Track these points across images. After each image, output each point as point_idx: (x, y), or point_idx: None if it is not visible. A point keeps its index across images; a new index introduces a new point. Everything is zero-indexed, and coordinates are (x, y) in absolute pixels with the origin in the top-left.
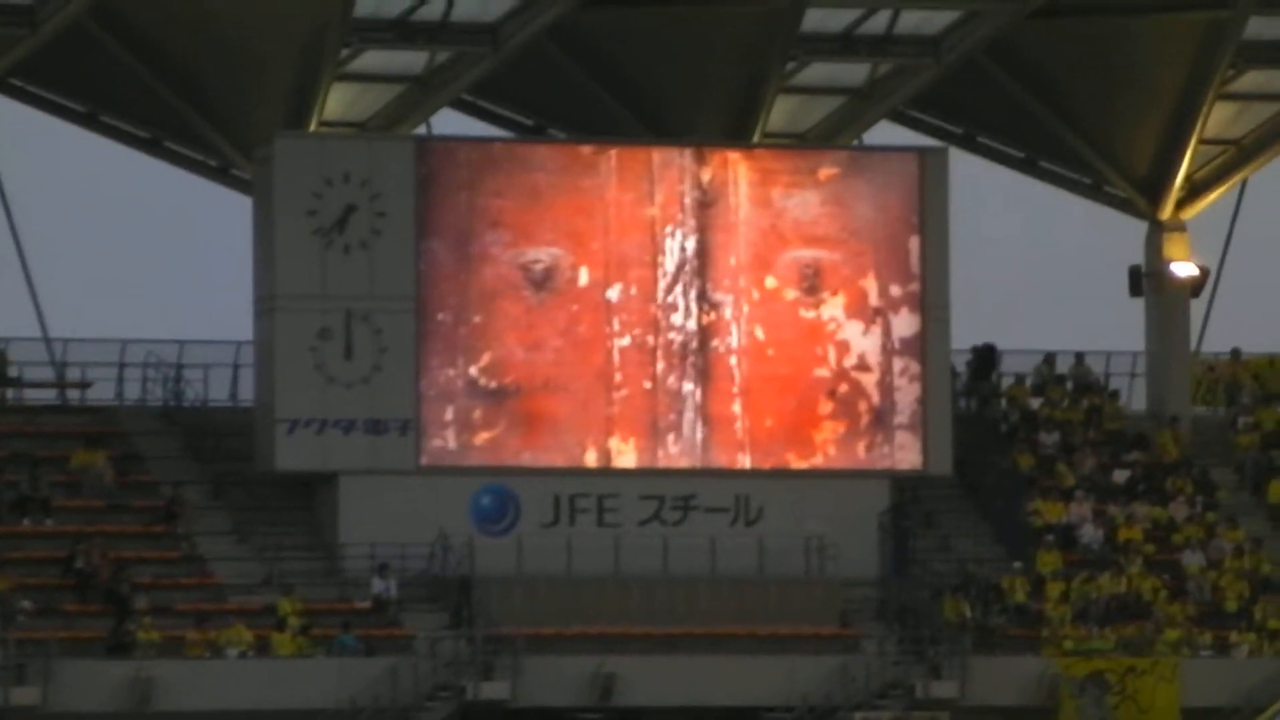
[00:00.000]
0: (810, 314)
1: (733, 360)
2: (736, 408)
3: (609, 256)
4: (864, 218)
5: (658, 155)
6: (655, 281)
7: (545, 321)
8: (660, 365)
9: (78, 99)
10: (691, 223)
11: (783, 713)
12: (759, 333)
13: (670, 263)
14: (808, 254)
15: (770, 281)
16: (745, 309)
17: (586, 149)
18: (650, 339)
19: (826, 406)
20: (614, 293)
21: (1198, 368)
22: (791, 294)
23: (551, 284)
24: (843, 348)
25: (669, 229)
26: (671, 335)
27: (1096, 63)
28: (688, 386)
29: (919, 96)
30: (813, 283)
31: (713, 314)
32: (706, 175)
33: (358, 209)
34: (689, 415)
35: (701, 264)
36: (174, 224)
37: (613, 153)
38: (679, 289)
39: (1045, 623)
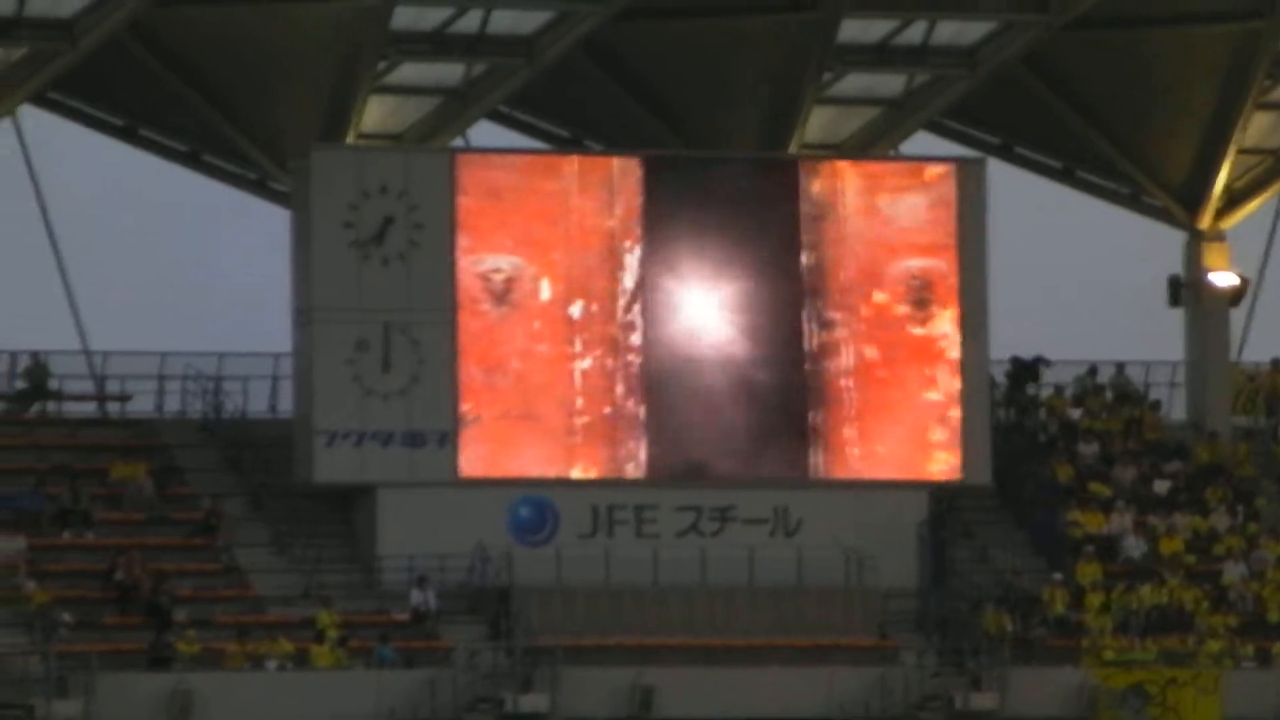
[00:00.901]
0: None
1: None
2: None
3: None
4: None
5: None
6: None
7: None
8: None
9: (116, 113)
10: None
11: None
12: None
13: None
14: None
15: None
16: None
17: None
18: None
19: (940, 434)
20: None
21: (1238, 377)
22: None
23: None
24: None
25: None
26: None
27: (1133, 73)
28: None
29: (955, 107)
30: (920, 295)
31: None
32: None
33: (395, 221)
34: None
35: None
36: (212, 237)
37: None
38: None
39: (1085, 634)
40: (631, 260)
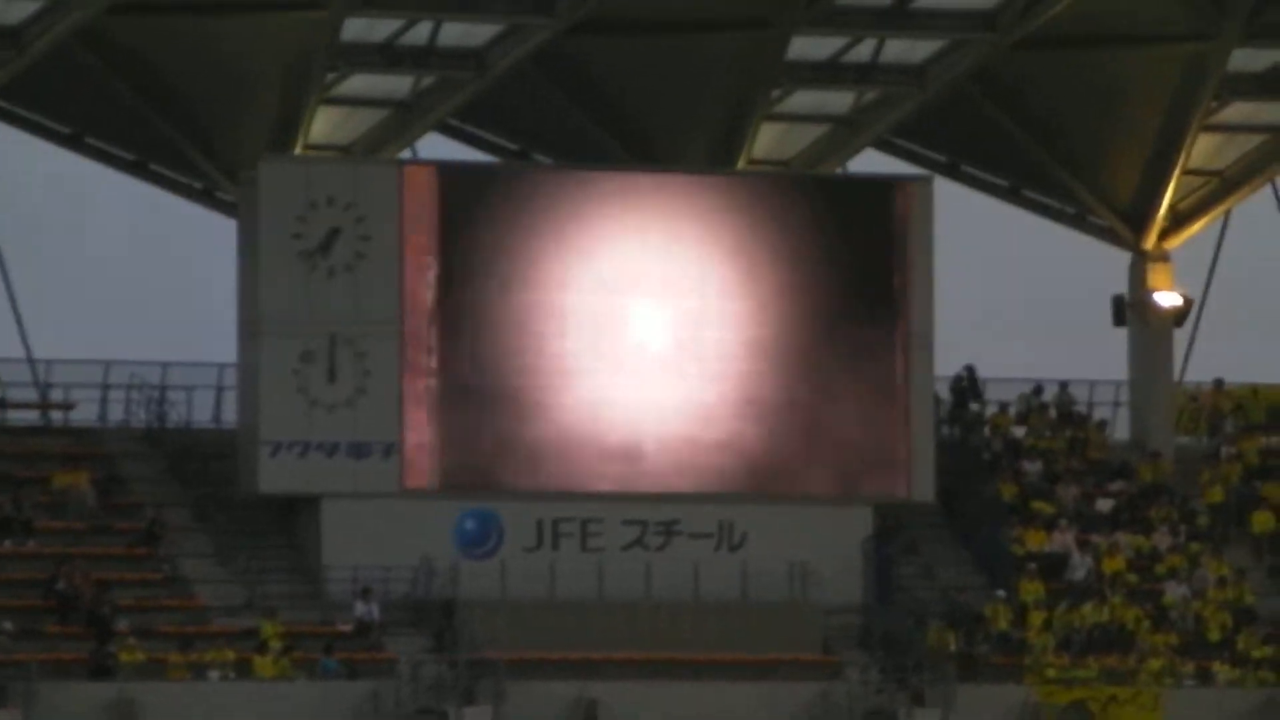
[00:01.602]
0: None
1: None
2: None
3: None
4: None
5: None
6: None
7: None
8: None
9: (63, 121)
10: None
11: None
12: None
13: None
14: None
15: None
16: None
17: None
18: None
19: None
20: None
21: (1181, 397)
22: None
23: None
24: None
25: None
26: None
27: (1081, 93)
28: None
29: (904, 125)
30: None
31: None
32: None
33: (342, 232)
34: None
35: None
36: (158, 246)
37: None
38: None
39: (1028, 651)
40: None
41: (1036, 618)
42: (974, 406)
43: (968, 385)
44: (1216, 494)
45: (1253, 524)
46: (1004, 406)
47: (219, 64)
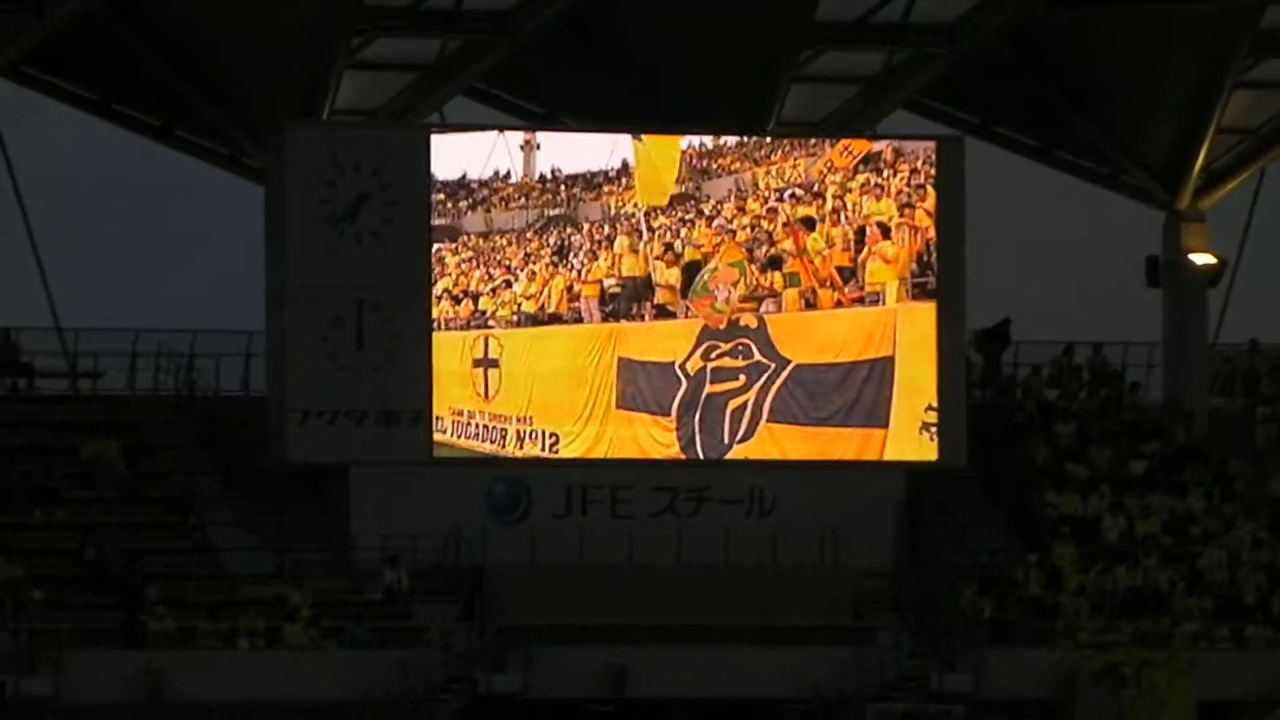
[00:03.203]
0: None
1: None
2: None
3: None
4: None
5: None
6: None
7: None
8: None
9: (89, 87)
10: None
11: (796, 705)
12: None
13: None
14: None
15: None
16: None
17: None
18: None
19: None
20: None
21: (1215, 358)
22: None
23: None
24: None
25: None
26: None
27: (1113, 51)
28: None
29: (934, 85)
30: None
31: None
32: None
33: (369, 198)
34: None
35: None
36: (186, 213)
37: None
38: None
39: (1061, 615)
40: None
41: (1070, 581)
42: (1006, 366)
43: (997, 333)
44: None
45: None
46: (1037, 369)
47: (245, 29)
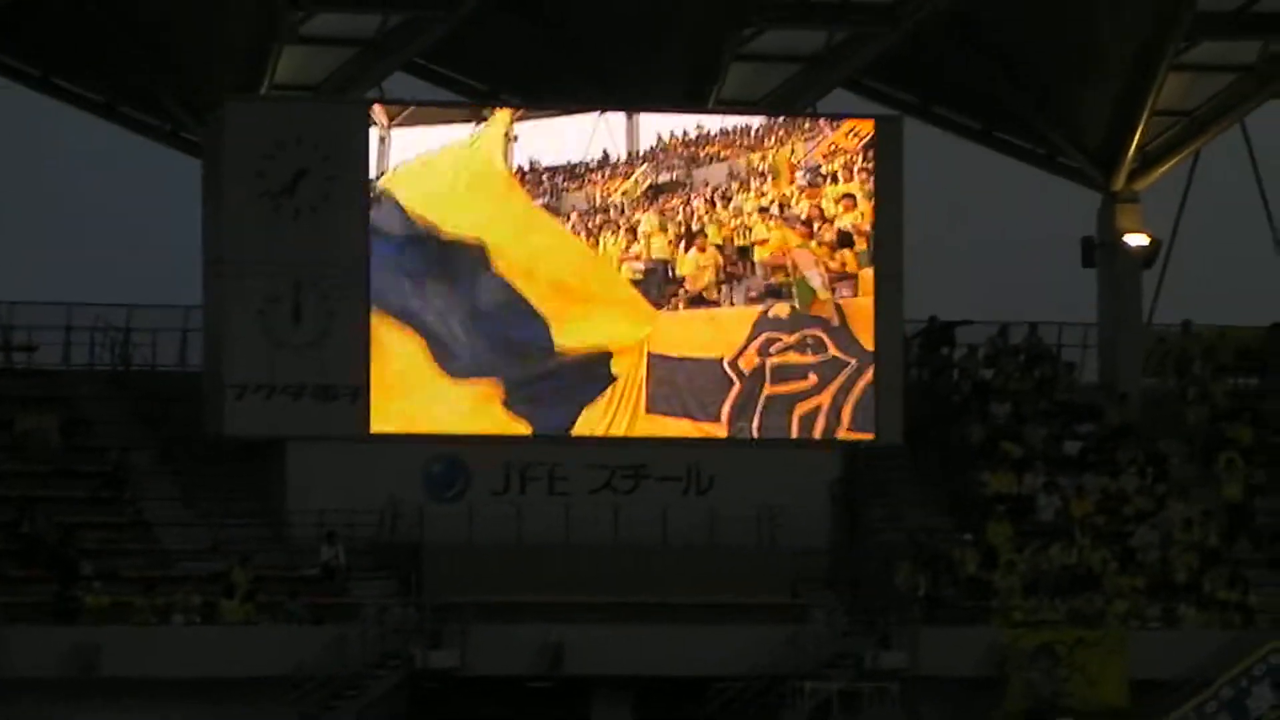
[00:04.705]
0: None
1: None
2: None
3: None
4: None
5: None
6: None
7: None
8: None
9: (29, 62)
10: None
11: (732, 682)
12: None
13: None
14: None
15: None
16: None
17: None
18: None
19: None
20: None
21: (1149, 339)
22: None
23: None
24: None
25: None
26: None
27: (1051, 33)
28: None
29: (874, 65)
30: None
31: None
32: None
33: (309, 173)
34: None
35: None
36: (123, 187)
37: None
38: None
39: (995, 594)
40: None
41: (1004, 559)
42: (944, 350)
43: (937, 332)
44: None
45: (1220, 465)
46: (973, 349)
47: (186, 3)
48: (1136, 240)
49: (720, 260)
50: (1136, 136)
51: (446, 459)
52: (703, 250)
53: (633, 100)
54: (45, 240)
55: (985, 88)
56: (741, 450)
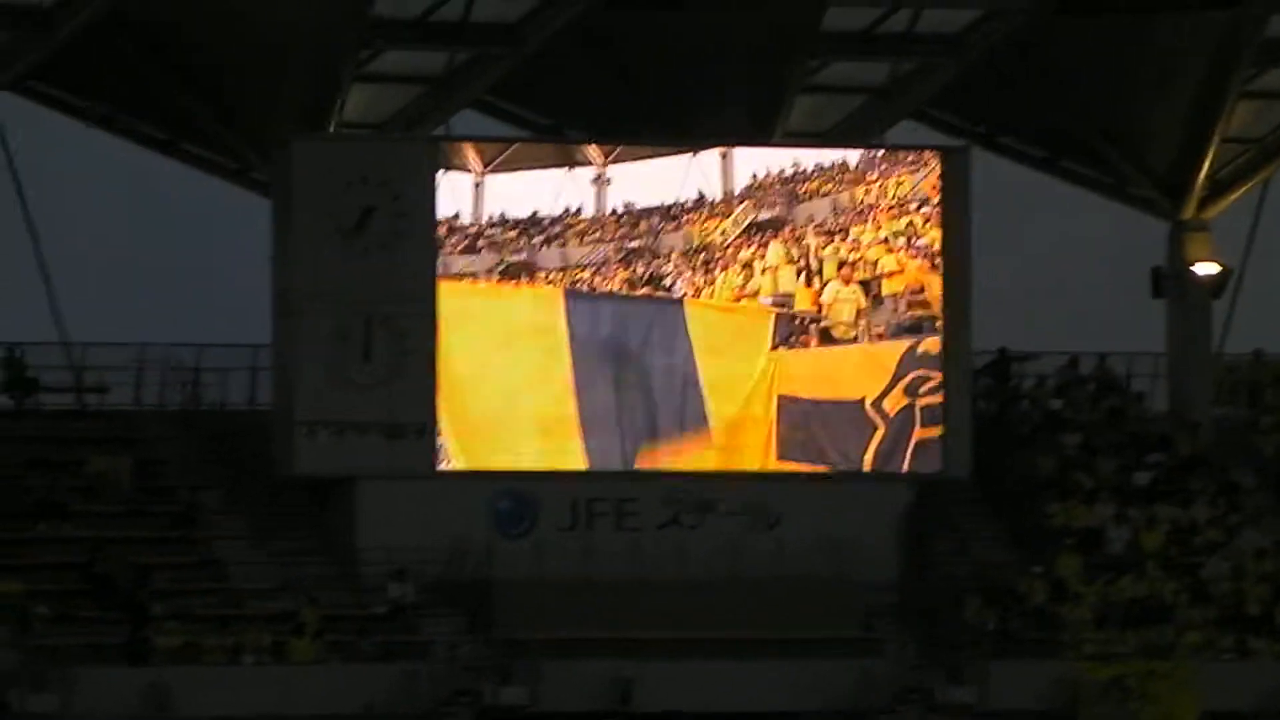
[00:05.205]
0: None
1: None
2: None
3: None
4: None
5: None
6: None
7: None
8: None
9: (95, 101)
10: None
11: (803, 718)
12: None
13: None
14: None
15: None
16: None
17: None
18: None
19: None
20: None
21: (1220, 369)
22: None
23: None
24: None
25: None
26: None
27: (1118, 61)
28: None
29: (940, 95)
30: None
31: None
32: None
33: (377, 210)
34: None
35: None
36: (192, 226)
37: None
38: None
39: (1065, 627)
40: None
41: (1074, 592)
42: (1013, 381)
43: (1004, 364)
44: None
45: None
46: (1042, 380)
47: (252, 42)
48: (1206, 269)
49: (862, 297)
50: (1205, 164)
51: (514, 495)
52: (846, 283)
53: (697, 134)
54: (115, 281)
55: (1052, 117)
56: (810, 484)
